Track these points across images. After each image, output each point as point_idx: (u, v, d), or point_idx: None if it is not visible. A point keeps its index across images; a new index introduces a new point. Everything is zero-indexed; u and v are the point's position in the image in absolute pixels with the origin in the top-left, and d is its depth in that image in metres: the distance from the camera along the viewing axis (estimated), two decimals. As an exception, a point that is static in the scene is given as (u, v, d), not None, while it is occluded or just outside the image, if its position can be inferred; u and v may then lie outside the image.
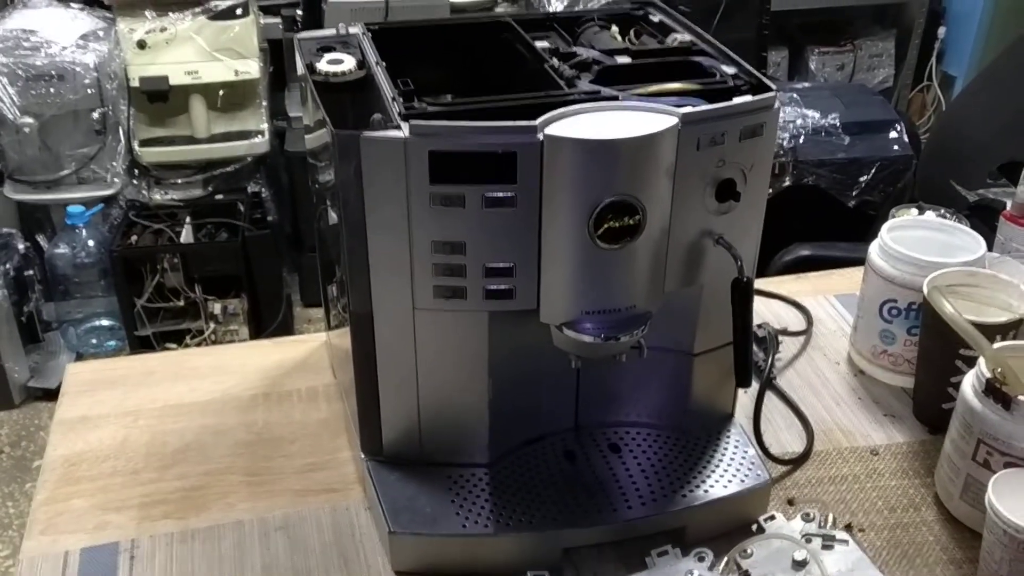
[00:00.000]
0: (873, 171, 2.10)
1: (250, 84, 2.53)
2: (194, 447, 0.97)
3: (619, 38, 0.99)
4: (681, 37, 0.95)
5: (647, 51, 0.92)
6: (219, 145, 2.54)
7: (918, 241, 1.06)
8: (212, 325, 2.39)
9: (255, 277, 2.45)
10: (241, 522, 0.89)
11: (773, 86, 0.82)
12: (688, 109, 0.77)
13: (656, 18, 1.01)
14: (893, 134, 2.21)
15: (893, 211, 1.19)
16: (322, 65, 0.88)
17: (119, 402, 1.02)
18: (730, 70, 0.87)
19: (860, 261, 1.10)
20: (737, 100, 0.80)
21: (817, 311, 1.19)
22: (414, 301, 0.80)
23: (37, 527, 0.88)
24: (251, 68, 2.49)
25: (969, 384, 0.87)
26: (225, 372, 1.06)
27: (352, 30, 0.97)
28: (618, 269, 0.79)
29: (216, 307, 2.39)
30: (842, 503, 0.91)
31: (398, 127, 0.75)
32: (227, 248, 2.42)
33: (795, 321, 1.18)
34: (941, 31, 3.16)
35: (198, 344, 2.37)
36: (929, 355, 1.00)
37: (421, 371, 0.84)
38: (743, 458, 0.90)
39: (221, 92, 2.51)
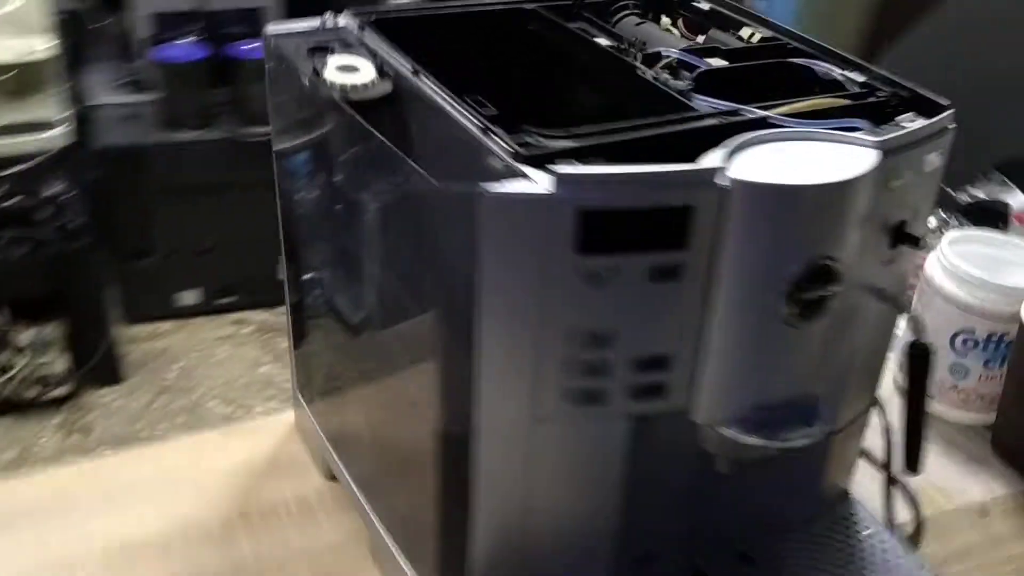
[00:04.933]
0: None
1: (39, 66, 2.11)
2: (163, 606, 0.70)
3: (674, 30, 0.80)
4: (759, 31, 0.77)
5: (740, 51, 0.73)
6: (3, 140, 2.11)
7: (979, 258, 0.94)
8: (23, 359, 1.99)
9: (70, 296, 2.07)
10: None
11: (943, 100, 0.65)
12: (885, 136, 0.59)
13: (704, 5, 0.82)
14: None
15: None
16: (331, 74, 0.64)
17: (36, 549, 0.73)
18: (857, 77, 0.69)
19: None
20: (920, 121, 0.63)
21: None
22: (534, 410, 0.58)
23: None
24: (39, 46, 2.07)
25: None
26: (174, 487, 0.79)
27: (341, 22, 0.72)
28: (802, 349, 0.60)
29: (25, 336, 1.99)
30: (982, 585, 0.78)
31: (525, 177, 0.52)
32: (29, 264, 2.02)
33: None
34: None
35: (5, 384, 1.98)
36: (1028, 392, 0.88)
37: (531, 495, 0.62)
38: (884, 548, 0.74)
39: (2, 77, 2.09)
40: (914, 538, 0.82)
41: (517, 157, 0.53)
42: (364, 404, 0.74)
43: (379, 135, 0.58)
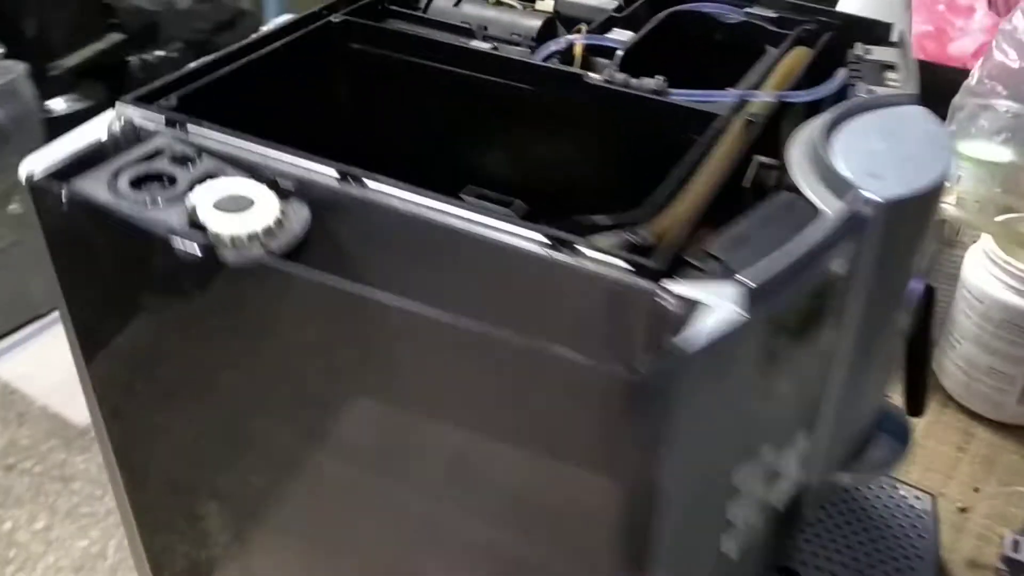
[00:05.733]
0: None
1: None
2: None
3: (512, 2, 0.64)
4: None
5: (632, 15, 0.60)
6: None
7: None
8: None
9: None
10: None
11: (883, 20, 0.58)
12: (914, 85, 0.52)
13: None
14: None
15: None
16: (219, 224, 0.41)
17: None
18: (763, 12, 0.61)
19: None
20: (895, 51, 0.56)
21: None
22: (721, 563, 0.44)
23: None
24: None
25: (985, 279, 0.78)
26: None
27: (135, 119, 0.47)
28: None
29: None
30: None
31: (697, 303, 0.37)
32: None
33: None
34: None
35: None
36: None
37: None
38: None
39: None
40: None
41: (646, 273, 0.37)
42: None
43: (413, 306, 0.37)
